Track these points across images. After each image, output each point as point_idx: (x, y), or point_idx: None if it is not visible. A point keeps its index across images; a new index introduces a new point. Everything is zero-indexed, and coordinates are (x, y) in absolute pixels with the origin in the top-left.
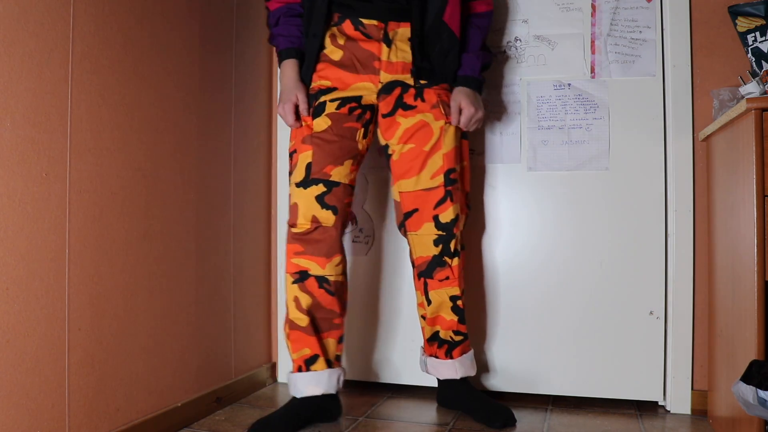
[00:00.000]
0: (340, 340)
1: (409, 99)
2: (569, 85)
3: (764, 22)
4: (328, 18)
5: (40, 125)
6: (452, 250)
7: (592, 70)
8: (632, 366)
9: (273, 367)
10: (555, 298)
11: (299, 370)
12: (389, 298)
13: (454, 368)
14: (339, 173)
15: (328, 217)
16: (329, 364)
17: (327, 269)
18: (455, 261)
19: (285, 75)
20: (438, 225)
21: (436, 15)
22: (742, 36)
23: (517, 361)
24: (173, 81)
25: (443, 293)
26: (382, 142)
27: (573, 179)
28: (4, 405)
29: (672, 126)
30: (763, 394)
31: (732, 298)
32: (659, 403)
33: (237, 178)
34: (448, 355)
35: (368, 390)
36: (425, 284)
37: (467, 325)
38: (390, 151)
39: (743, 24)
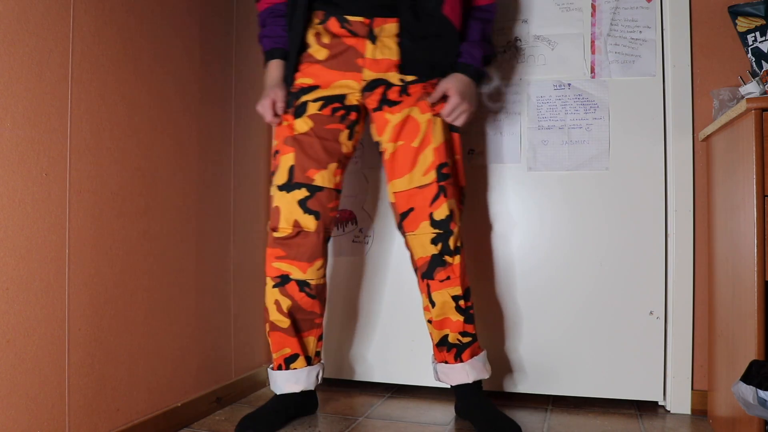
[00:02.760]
0: (319, 338)
1: (393, 95)
2: (569, 85)
3: (764, 22)
4: (308, 15)
5: (40, 125)
6: (452, 248)
7: (592, 70)
8: (632, 366)
9: None
10: (555, 298)
11: (279, 368)
12: (390, 297)
13: (465, 372)
14: (323, 177)
15: (309, 222)
16: (309, 362)
17: (308, 273)
18: (456, 259)
19: (268, 75)
20: (434, 223)
21: (434, 8)
22: (742, 36)
23: (516, 361)
24: (173, 81)
25: (445, 293)
26: (375, 138)
27: (573, 179)
28: (4, 405)
29: (672, 126)
30: (763, 394)
31: (732, 298)
32: (659, 403)
33: (237, 178)
34: (458, 358)
35: (368, 390)
36: (428, 286)
37: (475, 325)
38: (382, 149)
39: (743, 24)
